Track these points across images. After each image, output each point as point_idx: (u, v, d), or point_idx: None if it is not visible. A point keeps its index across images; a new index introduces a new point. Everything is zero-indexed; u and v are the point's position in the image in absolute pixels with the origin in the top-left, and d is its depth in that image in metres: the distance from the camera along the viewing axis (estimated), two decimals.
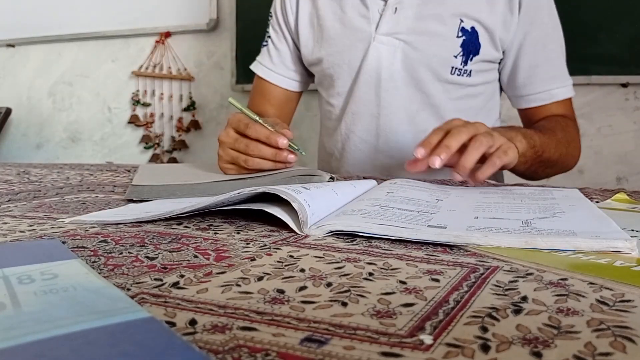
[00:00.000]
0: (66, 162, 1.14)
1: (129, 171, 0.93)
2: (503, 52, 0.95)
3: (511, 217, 0.46)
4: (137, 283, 0.30)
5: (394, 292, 0.28)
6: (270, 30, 1.08)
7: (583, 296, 0.28)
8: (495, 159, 0.64)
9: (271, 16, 1.08)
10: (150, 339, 0.20)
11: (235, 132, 0.74)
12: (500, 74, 1.00)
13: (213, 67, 2.42)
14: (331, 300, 0.27)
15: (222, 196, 0.46)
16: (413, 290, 0.29)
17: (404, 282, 0.30)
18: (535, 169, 0.85)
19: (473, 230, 0.40)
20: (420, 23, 0.92)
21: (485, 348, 0.21)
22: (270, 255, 0.36)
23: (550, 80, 0.95)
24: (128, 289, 0.29)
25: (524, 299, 0.27)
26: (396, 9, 0.92)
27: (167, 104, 2.52)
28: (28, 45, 2.76)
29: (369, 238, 0.42)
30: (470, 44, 0.92)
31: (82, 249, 0.37)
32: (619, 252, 0.37)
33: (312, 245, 0.39)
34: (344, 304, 0.26)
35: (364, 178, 0.79)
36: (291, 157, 0.70)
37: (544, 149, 0.83)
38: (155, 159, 2.52)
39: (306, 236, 0.42)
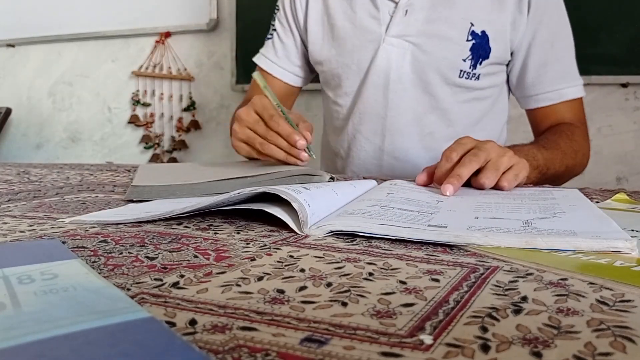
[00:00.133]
0: (66, 162, 1.14)
1: (129, 171, 0.93)
2: (512, 53, 0.95)
3: (511, 217, 0.46)
4: (137, 283, 0.30)
5: (394, 292, 0.28)
6: (277, 24, 1.07)
7: (583, 296, 0.28)
8: (504, 183, 0.63)
9: (278, 9, 1.07)
10: (150, 339, 0.20)
11: (257, 114, 0.74)
12: (508, 74, 0.99)
13: (213, 67, 2.42)
14: (331, 300, 0.27)
15: (222, 196, 0.46)
16: (413, 290, 0.29)
17: (404, 282, 0.30)
18: (542, 185, 0.84)
19: (473, 230, 0.40)
20: (430, 26, 0.92)
21: (485, 348, 0.21)
22: (270, 255, 0.36)
23: (560, 80, 0.95)
24: (128, 289, 0.29)
25: (524, 299, 0.27)
26: (407, 11, 0.92)
27: (167, 104, 2.52)
28: (28, 45, 2.76)
29: (369, 238, 0.42)
30: (480, 48, 0.92)
31: (82, 249, 0.37)
32: (619, 252, 0.37)
33: (312, 245, 0.39)
34: (344, 304, 0.26)
35: (364, 178, 0.78)
36: (304, 155, 0.70)
37: (549, 166, 0.82)
38: (155, 159, 2.52)
39: (306, 236, 0.42)
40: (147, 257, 0.35)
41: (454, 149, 0.64)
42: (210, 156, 2.45)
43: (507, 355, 0.21)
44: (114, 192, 0.67)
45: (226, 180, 0.67)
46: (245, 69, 2.26)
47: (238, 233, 0.43)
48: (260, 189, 0.46)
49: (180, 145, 2.50)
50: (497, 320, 0.24)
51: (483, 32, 0.91)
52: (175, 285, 0.29)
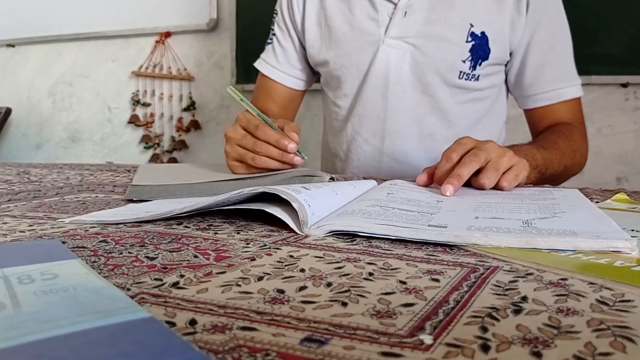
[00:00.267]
0: (66, 162, 1.14)
1: (129, 171, 0.93)
2: (510, 53, 0.95)
3: (511, 217, 0.46)
4: (137, 283, 0.30)
5: (394, 292, 0.28)
6: (276, 28, 1.07)
7: (583, 296, 0.28)
8: (504, 183, 0.63)
9: (276, 13, 1.07)
10: (150, 339, 0.20)
11: (244, 130, 0.73)
12: (507, 74, 0.99)
13: (213, 67, 2.42)
14: (331, 300, 0.27)
15: (222, 196, 0.46)
16: (413, 290, 0.29)
17: (404, 282, 0.30)
18: (541, 185, 0.84)
19: (473, 230, 0.40)
20: (430, 27, 0.91)
21: (485, 348, 0.21)
22: (270, 255, 0.36)
23: (558, 80, 0.95)
24: (128, 289, 0.29)
25: (524, 299, 0.27)
26: (406, 12, 0.92)
27: (167, 104, 2.52)
28: (28, 45, 2.76)
29: (369, 238, 0.42)
30: (480, 49, 0.92)
31: (82, 249, 0.37)
32: (619, 252, 0.37)
33: (312, 245, 0.39)
34: (344, 304, 0.26)
35: (364, 179, 0.78)
36: (297, 159, 0.70)
37: (547, 166, 0.82)
38: (155, 159, 2.52)
39: (306, 236, 0.42)
40: (147, 257, 0.35)
41: (454, 149, 0.64)
42: (210, 156, 2.45)
43: (507, 355, 0.21)
44: (114, 192, 0.67)
45: (226, 181, 0.67)
46: (245, 69, 2.26)
47: (238, 233, 0.43)
48: (260, 189, 0.46)
49: (180, 145, 2.50)
50: (497, 320, 0.24)
51: (482, 33, 0.91)
52: (175, 285, 0.29)
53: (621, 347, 0.22)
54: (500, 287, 0.29)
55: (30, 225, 0.46)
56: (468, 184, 0.64)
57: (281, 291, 0.28)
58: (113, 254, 0.36)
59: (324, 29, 1.00)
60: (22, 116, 2.81)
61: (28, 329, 0.21)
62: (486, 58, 0.93)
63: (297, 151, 0.70)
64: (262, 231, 0.44)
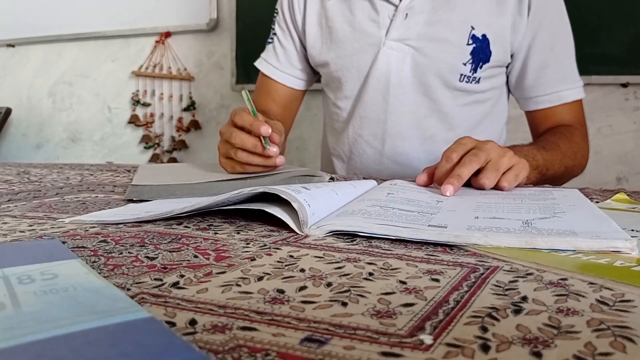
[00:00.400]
0: (66, 162, 1.14)
1: (129, 171, 0.93)
2: (512, 55, 0.95)
3: (511, 217, 0.46)
4: (137, 283, 0.30)
5: (394, 292, 0.28)
6: (276, 28, 1.06)
7: (583, 296, 0.28)
8: (504, 183, 0.63)
9: (277, 13, 1.06)
10: (150, 339, 0.20)
11: (233, 125, 0.73)
12: (508, 76, 0.99)
13: (213, 67, 2.42)
14: (331, 300, 0.27)
15: (222, 196, 0.46)
16: (413, 290, 0.29)
17: (404, 282, 0.30)
18: (541, 185, 0.84)
19: (473, 230, 0.40)
20: (431, 29, 0.91)
21: (485, 348, 0.21)
22: (270, 255, 0.36)
23: (559, 82, 0.94)
24: (128, 289, 0.29)
25: (524, 299, 0.27)
26: (407, 14, 0.91)
27: (167, 104, 2.52)
28: (28, 45, 2.76)
29: (369, 238, 0.42)
30: (481, 52, 0.91)
31: (82, 249, 0.37)
32: (619, 252, 0.37)
33: (312, 245, 0.39)
34: (344, 304, 0.26)
35: (364, 179, 0.78)
36: (274, 151, 0.69)
37: (548, 167, 0.82)
38: (155, 159, 2.52)
39: (306, 236, 0.42)
40: (147, 257, 0.35)
41: (454, 149, 0.64)
42: (210, 156, 2.45)
43: (507, 355, 0.21)
44: (114, 192, 0.67)
45: (226, 181, 0.67)
46: (245, 69, 2.26)
47: (238, 233, 0.43)
48: (260, 189, 0.46)
49: (180, 145, 2.50)
50: (497, 320, 0.24)
51: (484, 35, 0.91)
52: (175, 285, 0.29)
53: (621, 347, 0.22)
54: (500, 287, 0.29)
55: (30, 225, 0.46)
56: (468, 184, 0.64)
57: (281, 291, 0.28)
58: (113, 254, 0.36)
59: (324, 30, 0.99)
60: (22, 116, 2.81)
61: (28, 329, 0.21)
62: (487, 61, 0.92)
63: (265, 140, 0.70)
64: (262, 231, 0.44)
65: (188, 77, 2.46)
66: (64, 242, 0.39)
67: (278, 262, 0.34)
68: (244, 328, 0.23)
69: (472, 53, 0.91)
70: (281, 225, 0.45)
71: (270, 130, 0.69)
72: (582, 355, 0.21)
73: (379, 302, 0.27)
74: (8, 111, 2.73)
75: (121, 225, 0.46)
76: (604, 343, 0.22)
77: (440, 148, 0.72)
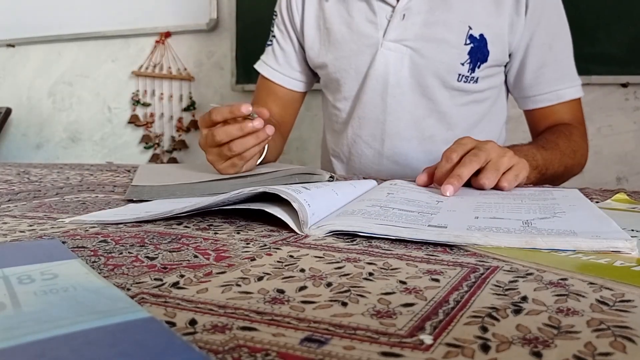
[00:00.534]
0: (66, 162, 1.14)
1: (129, 171, 0.93)
2: (510, 55, 0.95)
3: (511, 217, 0.46)
4: (137, 283, 0.30)
5: (394, 292, 0.28)
6: (275, 30, 1.06)
7: (583, 296, 0.28)
8: (504, 183, 0.63)
9: (276, 15, 1.07)
10: (150, 339, 0.20)
11: (206, 129, 0.72)
12: (506, 75, 0.99)
13: (213, 67, 2.42)
14: (331, 300, 0.27)
15: (222, 196, 0.46)
16: (413, 290, 0.29)
17: (404, 282, 0.30)
18: (541, 185, 0.84)
19: (473, 230, 0.40)
20: (428, 30, 0.91)
21: (485, 348, 0.21)
22: (270, 255, 0.36)
23: (558, 81, 0.94)
24: (128, 289, 0.29)
25: (524, 299, 0.27)
26: (404, 15, 0.91)
27: (167, 104, 2.52)
28: (28, 45, 2.76)
29: (369, 238, 0.42)
30: (479, 52, 0.91)
31: (82, 249, 0.37)
32: (619, 252, 0.37)
33: (312, 245, 0.39)
34: (344, 304, 0.26)
35: (364, 178, 0.78)
36: (257, 123, 0.68)
37: (548, 167, 0.82)
38: (155, 159, 2.52)
39: (306, 236, 0.42)
40: (147, 257, 0.35)
41: (454, 149, 0.64)
42: None
43: (507, 355, 0.21)
44: (114, 192, 0.67)
45: (226, 180, 0.67)
46: (245, 69, 2.26)
47: (238, 233, 0.43)
48: (260, 189, 0.46)
49: (180, 145, 2.50)
50: (497, 320, 0.24)
51: (481, 35, 0.91)
52: (175, 285, 0.29)
53: (621, 347, 0.22)
54: (500, 287, 0.29)
55: (30, 225, 0.46)
56: (468, 184, 0.64)
57: (281, 291, 0.28)
58: (113, 254, 0.36)
59: (322, 32, 0.99)
60: (22, 116, 2.81)
61: (28, 329, 0.21)
62: (485, 60, 0.92)
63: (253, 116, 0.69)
64: (262, 231, 0.44)
65: (188, 77, 2.46)
66: (64, 242, 0.39)
67: (278, 262, 0.34)
68: (244, 328, 0.23)
69: (470, 53, 0.91)
70: (281, 225, 0.45)
71: (250, 107, 0.68)
72: (582, 355, 0.21)
73: (379, 302, 0.27)
74: (8, 111, 2.73)
75: (121, 225, 0.46)
76: (604, 343, 0.22)
77: (439, 148, 0.72)
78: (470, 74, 0.93)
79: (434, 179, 0.65)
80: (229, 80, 2.34)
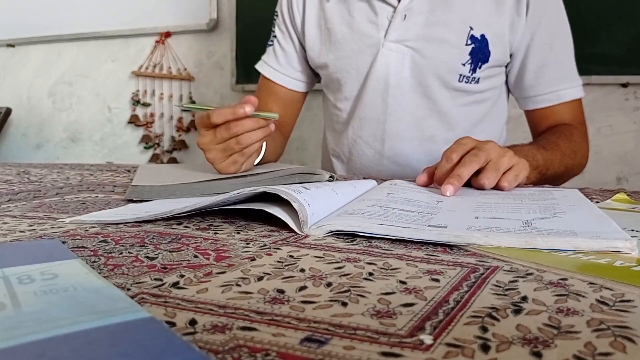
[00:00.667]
0: (66, 162, 1.14)
1: (129, 171, 0.93)
2: (511, 55, 0.95)
3: (511, 217, 0.46)
4: (137, 283, 0.30)
5: (394, 292, 0.28)
6: (276, 30, 1.06)
7: (583, 296, 0.28)
8: (504, 183, 0.63)
9: (277, 15, 1.06)
10: (150, 339, 0.20)
11: (206, 130, 0.73)
12: (507, 75, 0.99)
13: (213, 67, 2.42)
14: (331, 300, 0.27)
15: (222, 196, 0.46)
16: (413, 290, 0.29)
17: (404, 282, 0.30)
18: (541, 185, 0.84)
19: (473, 230, 0.40)
20: (429, 30, 0.91)
21: (485, 348, 0.21)
22: (270, 255, 0.36)
23: (558, 81, 0.94)
24: (128, 289, 0.29)
25: (524, 299, 0.27)
26: (405, 15, 0.91)
27: (167, 104, 2.52)
28: (28, 45, 2.76)
29: (369, 238, 0.42)
30: (480, 52, 0.91)
31: (82, 249, 0.37)
32: (619, 252, 0.37)
33: (312, 245, 0.39)
34: (344, 304, 0.26)
35: (364, 179, 0.78)
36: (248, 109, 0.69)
37: (548, 167, 0.82)
38: (155, 159, 2.52)
39: (306, 236, 0.42)
40: (147, 257, 0.35)
41: (454, 149, 0.64)
42: None
43: (507, 355, 0.21)
44: (114, 192, 0.67)
45: (226, 180, 0.67)
46: (245, 69, 2.26)
47: (238, 233, 0.43)
48: (260, 189, 0.46)
49: (180, 145, 2.50)
50: (497, 320, 0.24)
51: (482, 35, 0.91)
52: (175, 285, 0.29)
53: (621, 347, 0.22)
54: (500, 287, 0.29)
55: (30, 225, 0.46)
56: (468, 184, 0.64)
57: (281, 291, 0.28)
58: (113, 254, 0.36)
59: (323, 32, 0.99)
60: (22, 116, 2.81)
61: (28, 329, 0.21)
62: (486, 61, 0.92)
63: (260, 115, 0.70)
64: (262, 231, 0.44)
65: (188, 77, 2.46)
66: (64, 242, 0.39)
67: (278, 262, 0.34)
68: (244, 328, 0.23)
69: (471, 53, 0.91)
70: (281, 225, 0.45)
71: (250, 108, 0.69)
72: (582, 355, 0.21)
73: (379, 302, 0.27)
74: (8, 111, 2.73)
75: (121, 225, 0.46)
76: (604, 343, 0.22)
77: (440, 148, 0.72)
78: (472, 74, 0.93)
79: (434, 179, 0.65)
80: (229, 80, 2.34)
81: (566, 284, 0.30)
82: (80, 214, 0.51)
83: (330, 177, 0.66)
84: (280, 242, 0.40)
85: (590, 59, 1.73)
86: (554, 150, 0.85)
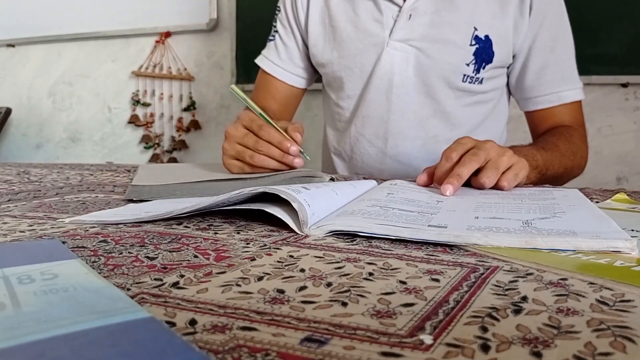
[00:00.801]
0: (66, 162, 1.14)
1: (129, 171, 0.93)
2: (513, 56, 0.95)
3: (511, 217, 0.46)
4: (137, 283, 0.30)
5: (394, 292, 0.28)
6: (278, 25, 1.06)
7: (583, 296, 0.28)
8: (504, 182, 0.63)
9: (279, 10, 1.06)
10: (150, 339, 0.20)
11: (245, 128, 0.73)
12: (508, 76, 0.99)
13: (213, 67, 2.43)
14: (331, 300, 0.27)
15: (222, 196, 0.46)
16: (413, 290, 0.29)
17: (404, 282, 0.30)
18: (541, 185, 0.84)
19: (473, 230, 0.40)
20: (434, 30, 0.91)
21: (485, 348, 0.21)
22: (270, 255, 0.36)
23: (559, 82, 0.95)
24: (128, 289, 0.29)
25: (524, 299, 0.27)
26: (410, 15, 0.91)
27: (167, 104, 2.52)
28: (28, 45, 2.76)
29: (369, 238, 0.42)
30: (484, 53, 0.92)
31: (82, 249, 0.37)
32: (619, 252, 0.37)
33: (312, 245, 0.39)
34: (344, 304, 0.26)
35: (364, 179, 0.78)
36: (297, 161, 0.70)
37: (547, 167, 0.82)
38: (155, 159, 2.52)
39: (306, 236, 0.42)
40: (147, 257, 0.35)
41: (453, 148, 0.64)
42: (210, 156, 2.45)
43: (507, 355, 0.21)
44: (114, 192, 0.67)
45: (226, 180, 0.67)
46: (245, 69, 2.26)
47: (238, 233, 0.43)
48: (260, 189, 0.46)
49: (180, 145, 2.50)
50: (497, 320, 0.24)
51: (486, 36, 0.91)
52: (175, 285, 0.29)
53: (621, 347, 0.22)
54: (500, 287, 0.29)
55: (30, 225, 0.46)
56: (468, 183, 0.64)
57: (281, 291, 0.28)
58: (113, 254, 0.36)
59: (328, 29, 0.99)
60: (22, 116, 2.81)
61: (28, 329, 0.21)
62: (490, 61, 0.93)
63: (300, 152, 0.70)
64: (262, 231, 0.44)
65: (188, 77, 2.46)
66: (64, 242, 0.39)
67: (278, 262, 0.34)
68: (244, 328, 0.23)
69: (475, 54, 0.92)
70: (281, 225, 0.45)
71: (297, 148, 0.69)
72: (582, 355, 0.21)
73: (379, 302, 0.27)
74: (8, 111, 2.73)
75: (121, 225, 0.46)
76: (604, 343, 0.22)
77: (443, 148, 0.73)
78: (475, 74, 0.93)
79: (434, 179, 0.65)
80: (229, 80, 2.34)
81: (566, 284, 0.30)
82: (80, 214, 0.51)
83: (331, 179, 0.66)
84: (280, 242, 0.40)
85: (591, 59, 1.73)
86: (553, 151, 0.85)
